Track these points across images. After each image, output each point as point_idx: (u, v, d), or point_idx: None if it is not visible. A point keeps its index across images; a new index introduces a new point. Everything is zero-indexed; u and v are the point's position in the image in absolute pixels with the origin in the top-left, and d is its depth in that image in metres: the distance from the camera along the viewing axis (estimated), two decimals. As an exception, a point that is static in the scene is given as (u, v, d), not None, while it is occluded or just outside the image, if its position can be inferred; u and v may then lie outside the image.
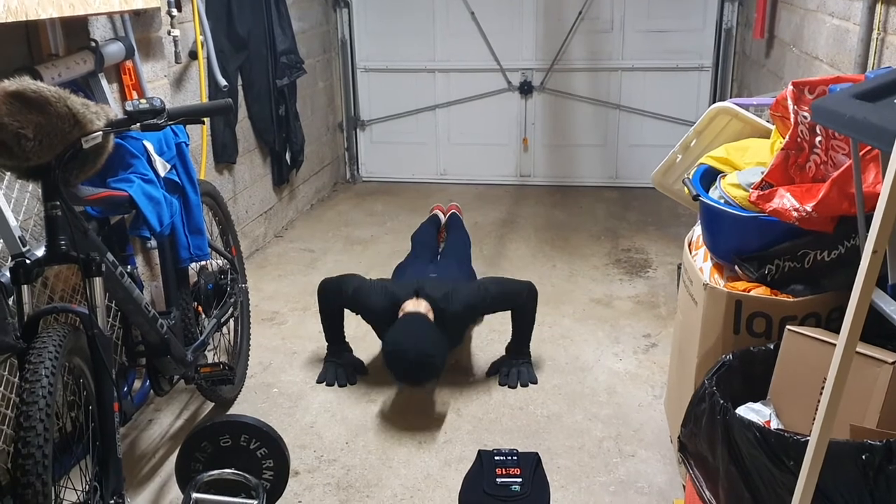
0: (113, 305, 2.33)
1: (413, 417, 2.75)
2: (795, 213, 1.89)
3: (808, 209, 1.87)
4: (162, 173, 2.31)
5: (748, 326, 2.04)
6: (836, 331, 1.49)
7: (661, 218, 4.71)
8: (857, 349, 1.46)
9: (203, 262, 2.66)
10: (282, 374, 3.07)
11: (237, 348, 2.97)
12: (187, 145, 2.51)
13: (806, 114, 1.98)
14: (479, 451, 2.35)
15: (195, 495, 2.10)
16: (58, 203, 1.78)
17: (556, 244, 4.37)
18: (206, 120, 3.28)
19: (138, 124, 1.93)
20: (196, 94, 3.49)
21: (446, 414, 2.77)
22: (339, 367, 3.02)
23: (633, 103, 5.27)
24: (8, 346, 1.74)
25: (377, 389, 2.94)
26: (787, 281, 2.01)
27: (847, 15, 2.84)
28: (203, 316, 2.69)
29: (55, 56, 2.43)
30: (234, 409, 2.81)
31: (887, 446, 1.50)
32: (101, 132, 1.82)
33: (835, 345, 1.41)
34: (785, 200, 1.93)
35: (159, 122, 1.94)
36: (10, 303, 1.84)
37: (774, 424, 1.87)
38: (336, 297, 2.99)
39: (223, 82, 3.53)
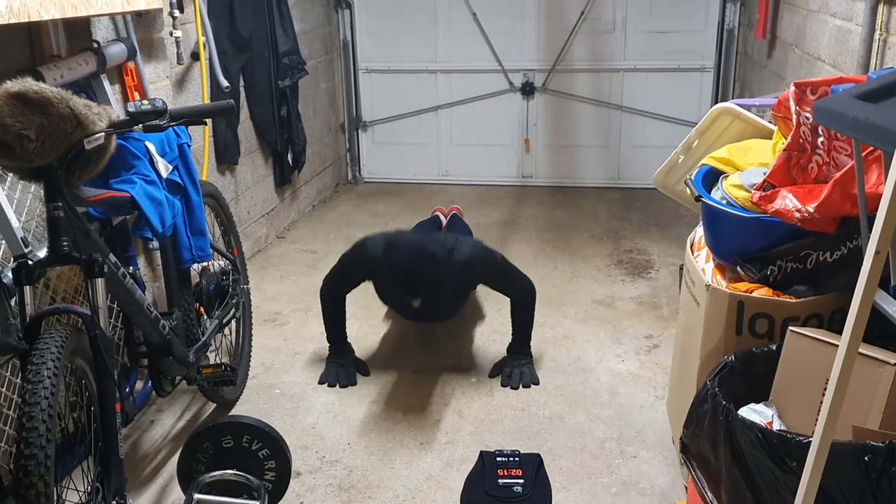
0: (115, 306, 2.33)
1: (415, 418, 2.75)
2: (798, 214, 1.89)
3: (811, 210, 1.87)
4: (164, 174, 2.31)
5: (750, 327, 2.03)
6: (839, 332, 1.49)
7: (663, 219, 4.71)
8: (860, 350, 1.46)
9: (205, 263, 2.66)
10: (284, 374, 3.07)
11: (239, 349, 2.98)
12: (189, 146, 2.51)
13: (808, 114, 1.98)
14: (481, 452, 2.35)
15: (197, 496, 2.10)
16: (60, 204, 1.79)
17: (557, 245, 4.37)
18: (208, 121, 3.29)
19: (140, 125, 1.93)
20: (198, 95, 3.50)
21: (448, 415, 2.77)
22: (340, 367, 3.02)
23: (635, 104, 5.27)
24: (10, 347, 1.74)
25: (379, 390, 2.94)
26: (789, 282, 2.01)
27: (849, 15, 2.84)
28: (205, 317, 2.69)
29: (57, 57, 2.43)
30: (236, 410, 2.81)
31: (890, 447, 1.50)
32: (103, 133, 1.83)
33: (837, 346, 1.41)
34: (787, 201, 1.92)
35: (161, 123, 1.95)
36: (13, 304, 1.85)
37: (777, 425, 1.87)
38: (337, 276, 2.99)
39: (225, 83, 3.54)
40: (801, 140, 2.01)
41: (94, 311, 1.84)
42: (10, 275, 1.81)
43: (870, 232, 1.35)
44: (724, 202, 2.13)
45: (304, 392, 2.94)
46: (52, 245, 1.80)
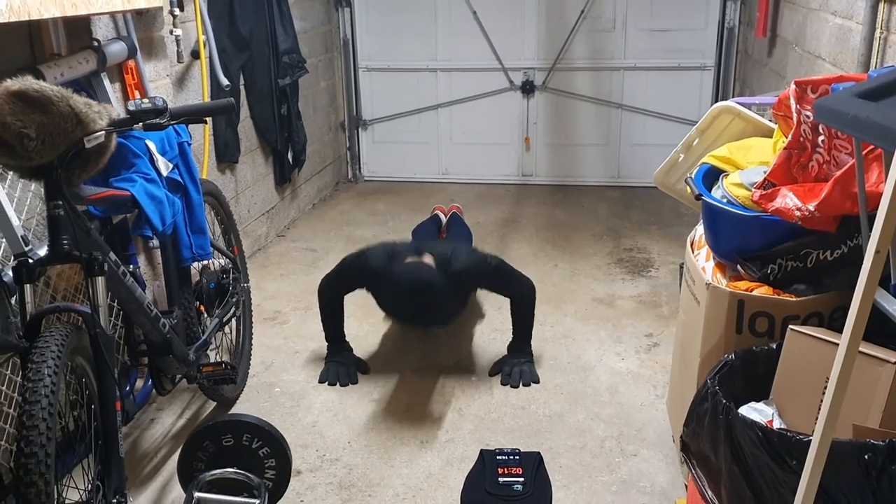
0: (115, 305, 2.33)
1: (415, 417, 2.75)
2: (798, 213, 1.89)
3: (811, 208, 1.87)
4: (164, 173, 2.31)
5: (751, 326, 2.03)
6: (839, 330, 1.49)
7: (663, 217, 4.71)
8: (860, 349, 1.46)
9: (205, 262, 2.66)
10: (284, 373, 3.07)
11: (239, 348, 2.98)
12: (189, 144, 2.51)
13: (809, 113, 1.98)
14: (482, 451, 2.35)
15: (197, 494, 2.10)
16: (60, 202, 1.79)
17: (557, 244, 4.37)
18: (209, 119, 3.29)
19: (140, 124, 1.93)
20: (198, 93, 3.49)
21: (448, 413, 2.77)
22: (340, 366, 3.02)
23: (636, 102, 5.26)
24: (10, 346, 1.75)
25: (379, 389, 2.94)
26: (789, 280, 2.01)
27: (850, 14, 2.84)
28: (205, 315, 2.69)
29: (58, 55, 2.43)
30: (237, 409, 2.81)
31: (890, 446, 1.50)
32: (103, 132, 1.83)
33: (837, 344, 1.41)
34: (787, 200, 1.92)
35: (161, 121, 1.95)
36: (13, 302, 1.85)
37: (777, 424, 1.87)
38: (336, 279, 2.99)
39: (225, 82, 3.53)
40: (801, 138, 2.00)
41: (94, 310, 1.84)
42: (10, 273, 1.81)
43: (870, 231, 1.35)
44: (725, 201, 2.13)
45: (305, 390, 2.94)
46: (52, 243, 1.80)
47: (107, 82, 2.60)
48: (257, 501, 2.11)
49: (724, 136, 2.61)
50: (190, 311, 2.56)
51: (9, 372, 2.12)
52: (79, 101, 1.76)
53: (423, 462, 2.51)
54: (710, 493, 1.80)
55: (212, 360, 2.74)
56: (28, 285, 1.78)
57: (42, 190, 1.82)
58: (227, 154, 3.86)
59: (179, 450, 2.26)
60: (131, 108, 1.94)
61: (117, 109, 2.21)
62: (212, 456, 2.21)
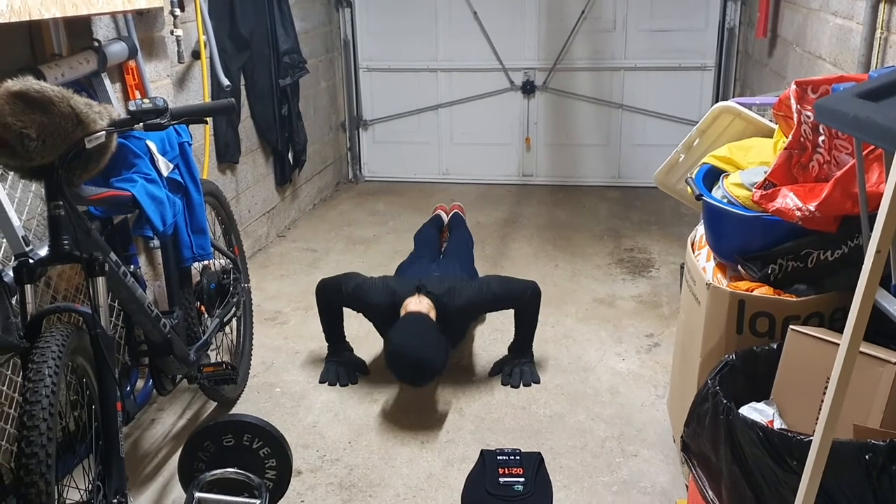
0: (116, 305, 2.33)
1: (415, 417, 2.75)
2: (798, 213, 1.89)
3: (812, 209, 1.87)
4: (165, 173, 2.31)
5: (751, 326, 2.03)
6: (840, 331, 1.49)
7: (663, 217, 4.71)
8: (861, 349, 1.46)
9: (206, 262, 2.66)
10: (284, 373, 3.07)
11: (240, 348, 2.98)
12: (190, 145, 2.51)
13: (809, 113, 1.97)
14: (482, 451, 2.35)
15: (198, 494, 2.10)
16: (61, 203, 1.79)
17: (558, 244, 4.37)
18: (209, 120, 3.29)
19: (141, 124, 1.93)
20: (199, 93, 3.50)
21: (449, 413, 2.77)
22: (340, 366, 3.02)
23: (636, 103, 5.26)
24: (11, 346, 1.75)
25: (379, 389, 2.94)
26: (790, 281, 2.01)
27: (850, 14, 2.84)
28: (206, 315, 2.69)
29: (58, 56, 2.43)
30: (237, 409, 2.82)
31: (891, 446, 1.50)
32: (104, 132, 1.83)
33: (838, 345, 1.41)
34: (788, 200, 1.92)
35: (162, 121, 1.95)
36: (14, 302, 1.85)
37: (777, 424, 1.87)
38: (336, 296, 2.99)
39: (226, 82, 3.54)
40: (801, 139, 2.00)
41: (94, 310, 1.84)
42: (11, 273, 1.81)
43: (871, 231, 1.35)
44: (725, 201, 2.13)
45: (305, 391, 2.94)
46: (53, 244, 1.80)
47: (107, 82, 2.60)
48: (258, 502, 2.11)
49: (725, 136, 2.61)
50: (190, 312, 2.57)
51: (9, 372, 2.12)
52: (79, 102, 1.76)
53: (423, 462, 2.51)
54: (710, 493, 1.80)
55: (212, 360, 2.74)
56: (29, 285, 1.78)
57: (43, 190, 1.82)
58: (227, 154, 3.86)
59: (180, 450, 2.26)
60: (132, 108, 1.94)
61: (118, 110, 2.21)
62: (212, 456, 2.21)
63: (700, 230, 2.40)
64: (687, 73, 5.16)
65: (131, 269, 2.16)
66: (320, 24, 5.12)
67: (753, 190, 2.06)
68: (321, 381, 2.99)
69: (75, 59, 2.43)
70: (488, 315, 3.46)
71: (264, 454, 2.22)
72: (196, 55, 3.44)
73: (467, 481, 2.30)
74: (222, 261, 2.87)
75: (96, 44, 2.56)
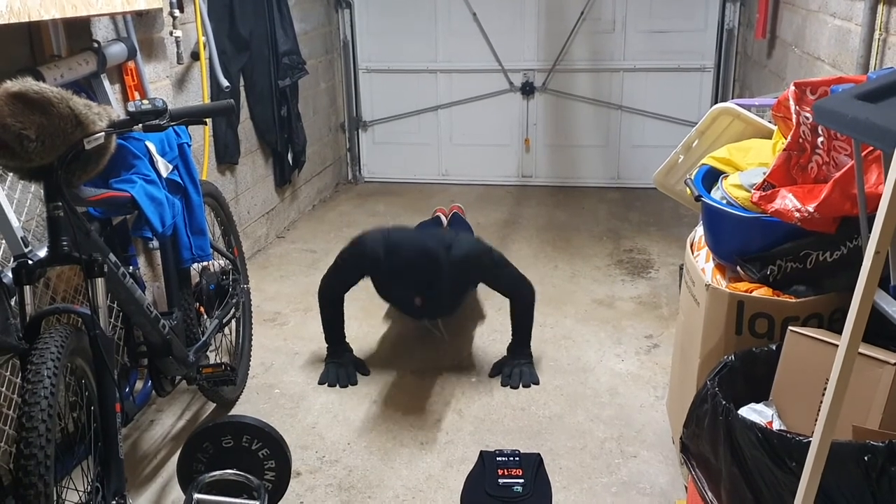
0: (115, 306, 2.33)
1: (415, 418, 2.75)
2: (797, 214, 1.89)
3: (810, 210, 1.87)
4: (164, 174, 2.31)
5: (750, 327, 2.03)
6: (839, 332, 1.49)
7: (663, 218, 4.71)
8: (860, 350, 1.46)
9: (205, 263, 2.66)
10: (283, 374, 3.07)
11: (239, 349, 2.97)
12: (189, 146, 2.51)
13: (808, 114, 1.98)
14: (481, 452, 2.35)
15: (197, 496, 2.10)
16: (60, 204, 1.79)
17: (557, 245, 4.37)
18: (208, 120, 3.29)
19: (140, 125, 1.93)
20: (198, 94, 3.50)
21: (448, 414, 2.77)
22: (340, 367, 3.02)
23: (635, 104, 5.27)
24: (10, 347, 1.74)
25: (379, 390, 2.94)
26: (789, 282, 2.01)
27: (849, 15, 2.84)
28: (205, 316, 2.69)
29: (57, 57, 2.43)
30: (236, 410, 2.81)
31: (889, 447, 1.50)
32: (103, 133, 1.83)
33: (837, 346, 1.41)
34: (787, 201, 1.92)
35: (161, 122, 1.95)
36: (13, 303, 1.85)
37: (776, 425, 1.87)
38: (337, 279, 2.99)
39: (225, 83, 3.54)
40: (800, 140, 2.01)
41: (93, 311, 1.84)
42: (10, 274, 1.81)
43: (869, 232, 1.35)
44: (724, 202, 2.13)
45: (304, 392, 2.94)
46: (52, 245, 1.80)
47: (107, 83, 2.60)
48: (257, 503, 2.11)
49: (724, 137, 2.61)
50: (190, 313, 2.56)
51: (8, 373, 2.12)
52: (78, 103, 1.76)
53: (422, 463, 2.51)
54: (709, 494, 1.80)
55: (211, 361, 2.74)
56: (28, 287, 1.78)
57: (42, 191, 1.82)
58: (226, 155, 3.86)
59: (179, 451, 2.26)
60: (131, 109, 1.94)
61: (117, 111, 2.21)
62: (211, 457, 2.21)
63: (699, 231, 2.40)
64: (686, 75, 5.16)
65: (130, 271, 2.16)
66: (320, 25, 5.12)
67: (752, 191, 2.06)
68: (320, 383, 2.99)
69: (74, 60, 2.43)
70: (488, 316, 3.47)
71: (263, 455, 2.22)
72: (195, 56, 3.44)
73: (466, 482, 2.30)
74: (221, 262, 2.87)
75: (95, 45, 2.56)
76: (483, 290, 3.37)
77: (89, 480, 1.86)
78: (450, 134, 5.56)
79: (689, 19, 5.06)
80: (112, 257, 1.99)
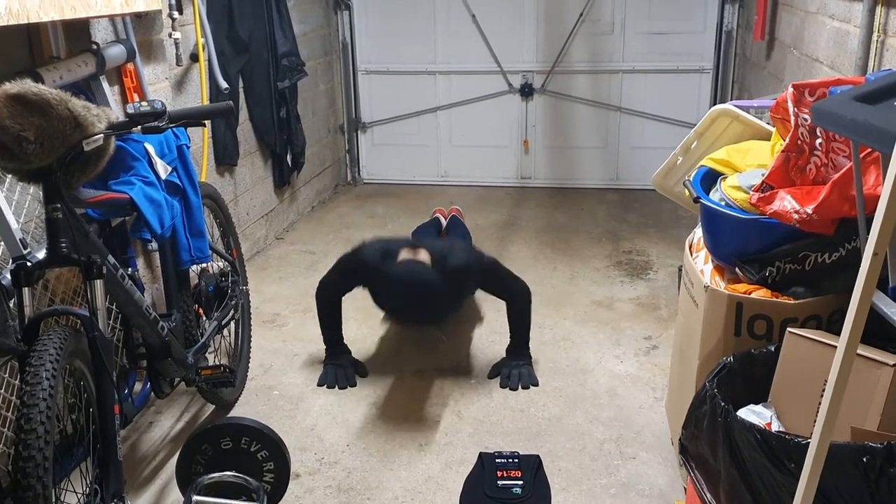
0: (114, 308, 2.33)
1: (414, 420, 2.75)
2: (796, 216, 1.89)
3: (809, 211, 1.87)
4: (163, 175, 2.31)
5: (749, 328, 2.03)
6: (837, 333, 1.49)
7: (661, 220, 4.71)
8: (858, 351, 1.46)
9: (204, 265, 2.66)
10: (282, 376, 3.07)
11: (238, 351, 2.97)
12: (188, 147, 2.51)
13: (806, 116, 1.98)
14: (480, 454, 2.35)
15: (196, 498, 2.10)
16: (59, 205, 1.79)
17: (556, 246, 4.37)
18: (207, 122, 3.29)
19: (139, 127, 1.93)
20: (197, 96, 3.50)
21: (447, 416, 2.77)
22: (339, 369, 3.02)
23: (634, 105, 5.27)
24: (9, 349, 1.74)
25: (378, 392, 2.94)
26: (787, 283, 2.01)
27: (847, 17, 2.84)
28: (204, 318, 2.69)
29: (56, 58, 2.43)
30: (235, 412, 2.81)
31: (888, 449, 1.50)
32: (102, 135, 1.83)
33: (836, 347, 1.41)
34: (785, 202, 1.93)
35: (160, 124, 1.95)
36: (11, 305, 1.85)
37: (775, 427, 1.87)
38: (333, 280, 2.99)
39: (224, 85, 3.54)
40: (799, 141, 2.01)
41: (92, 313, 1.84)
42: (8, 276, 1.81)
43: (868, 233, 1.35)
44: (723, 203, 2.13)
45: (303, 393, 2.94)
46: (50, 246, 1.80)
47: (106, 85, 2.60)
48: (256, 505, 2.11)
49: (723, 138, 2.61)
50: (188, 315, 2.56)
51: (7, 375, 2.12)
52: (77, 105, 1.76)
53: (421, 465, 2.51)
54: (708, 495, 1.80)
55: (210, 363, 2.73)
56: (26, 288, 1.78)
57: (40, 193, 1.82)
58: (225, 157, 3.86)
59: (178, 453, 2.26)
60: (130, 111, 1.94)
61: (116, 112, 2.21)
62: (210, 459, 2.21)
63: (698, 233, 2.40)
64: (685, 76, 5.16)
65: (129, 272, 2.16)
66: (319, 27, 5.12)
67: (751, 192, 2.07)
68: (319, 384, 2.99)
69: (73, 62, 2.43)
70: (486, 317, 3.47)
71: (262, 457, 2.22)
72: (194, 58, 3.44)
73: (466, 484, 2.30)
74: (220, 263, 2.87)
75: (95, 46, 2.56)
76: (481, 292, 3.37)
77: (88, 482, 1.85)
78: (449, 135, 5.56)
79: (688, 21, 5.07)
80: (111, 259, 1.99)
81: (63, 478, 1.86)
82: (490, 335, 3.32)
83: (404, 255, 2.81)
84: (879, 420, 1.67)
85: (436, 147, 5.60)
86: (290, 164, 4.57)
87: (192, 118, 2.08)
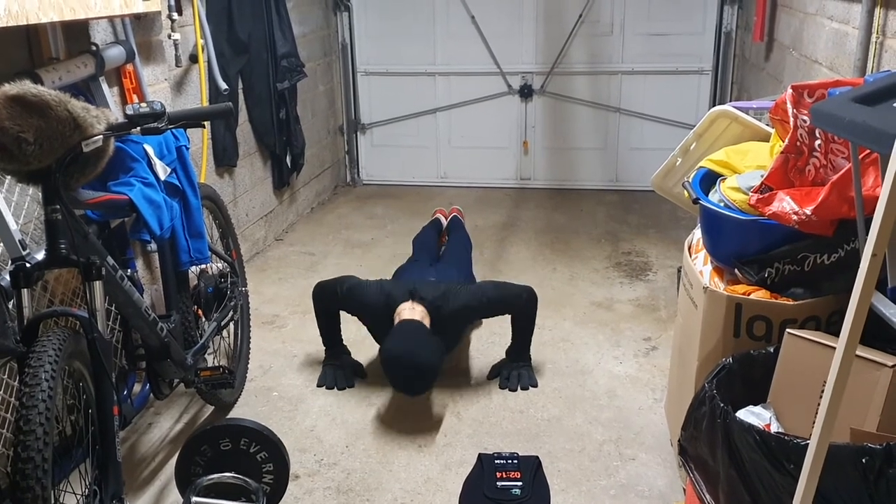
0: (113, 309, 2.33)
1: (413, 421, 2.75)
2: (795, 217, 1.89)
3: (808, 212, 1.87)
4: (162, 177, 2.31)
5: (748, 330, 2.04)
6: (836, 334, 1.49)
7: (661, 221, 4.71)
8: (857, 352, 1.46)
9: (203, 266, 2.66)
10: (282, 377, 3.07)
11: (237, 352, 2.97)
12: (188, 149, 2.51)
13: (805, 117, 1.98)
14: (480, 455, 2.35)
15: (195, 499, 2.10)
16: (58, 207, 1.79)
17: (556, 247, 4.37)
18: (207, 123, 3.28)
19: (139, 128, 1.93)
20: (196, 97, 3.50)
21: (446, 417, 2.77)
22: (338, 370, 3.02)
23: (633, 106, 5.27)
24: (8, 350, 1.74)
25: (377, 393, 2.94)
26: (786, 284, 2.01)
27: (846, 18, 2.85)
28: (203, 319, 2.69)
29: (56, 60, 2.43)
30: (234, 413, 2.81)
31: (887, 450, 1.50)
32: (101, 136, 1.83)
33: (835, 348, 1.41)
34: (784, 204, 1.93)
35: (160, 125, 1.95)
36: (10, 306, 1.85)
37: (774, 428, 1.87)
38: (331, 298, 2.99)
39: (224, 86, 3.54)
40: (798, 143, 2.01)
41: (91, 314, 1.84)
42: (7, 277, 1.81)
43: (867, 234, 1.36)
44: (722, 205, 2.13)
45: (303, 395, 2.94)
46: (49, 248, 1.80)
47: (105, 86, 2.61)
48: (255, 506, 2.11)
49: (722, 140, 2.61)
50: (188, 316, 2.56)
51: (6, 376, 2.12)
52: (77, 106, 1.76)
53: (421, 466, 2.51)
54: (708, 496, 1.80)
55: (210, 364, 2.73)
56: (25, 289, 1.78)
57: (40, 194, 1.81)
58: (225, 158, 3.86)
59: (177, 454, 2.26)
60: (129, 112, 1.94)
61: (115, 114, 2.21)
62: (209, 460, 2.21)
63: (697, 234, 2.40)
64: (684, 77, 5.17)
65: (128, 273, 2.16)
66: (318, 28, 5.13)
67: (750, 194, 2.07)
68: (319, 385, 2.99)
69: (73, 63, 2.43)
70: (486, 319, 3.46)
71: (261, 458, 2.22)
72: (194, 59, 3.44)
73: (465, 485, 2.30)
74: (220, 264, 2.87)
75: (94, 48, 2.56)
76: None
77: (87, 484, 1.85)
78: (448, 136, 5.56)
79: (688, 22, 5.07)
80: (110, 260, 1.99)
81: (62, 479, 1.86)
82: (489, 336, 3.32)
83: (403, 311, 2.80)
84: (878, 421, 1.68)
85: (435, 148, 5.60)
86: (289, 165, 4.57)
87: (191, 119, 2.08)
